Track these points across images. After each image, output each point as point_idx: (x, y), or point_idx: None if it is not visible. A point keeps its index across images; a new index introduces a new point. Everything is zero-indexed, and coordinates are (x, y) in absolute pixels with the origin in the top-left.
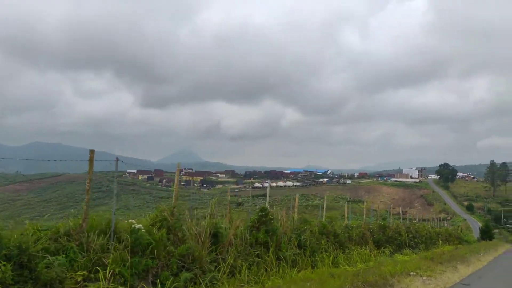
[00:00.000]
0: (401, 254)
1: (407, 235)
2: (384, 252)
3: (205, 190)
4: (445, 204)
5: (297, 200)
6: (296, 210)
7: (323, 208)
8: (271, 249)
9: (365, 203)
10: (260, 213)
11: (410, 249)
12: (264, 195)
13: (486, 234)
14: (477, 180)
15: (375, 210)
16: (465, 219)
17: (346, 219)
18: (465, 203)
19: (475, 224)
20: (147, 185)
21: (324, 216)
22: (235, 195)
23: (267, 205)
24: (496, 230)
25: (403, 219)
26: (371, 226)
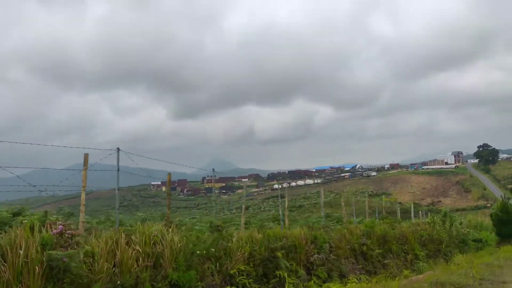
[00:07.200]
0: None
1: None
2: None
3: (225, 197)
4: (484, 189)
5: None
6: None
7: None
8: None
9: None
10: None
11: None
12: (282, 196)
13: (506, 228)
14: None
15: (400, 202)
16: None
17: None
18: (510, 186)
19: None
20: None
21: None
22: (251, 199)
23: None
24: None
25: (429, 212)
26: None
